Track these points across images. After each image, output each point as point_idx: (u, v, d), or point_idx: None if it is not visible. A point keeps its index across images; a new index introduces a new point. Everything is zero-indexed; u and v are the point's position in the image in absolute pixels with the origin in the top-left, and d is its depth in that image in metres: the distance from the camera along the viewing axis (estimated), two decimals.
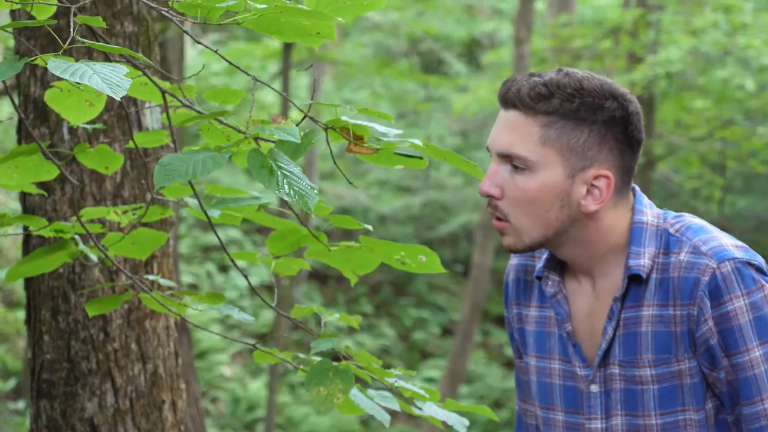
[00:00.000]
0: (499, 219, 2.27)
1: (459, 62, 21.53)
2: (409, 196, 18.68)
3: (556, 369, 2.39)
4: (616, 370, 2.29)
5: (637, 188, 2.33)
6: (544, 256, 2.38)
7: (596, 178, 2.23)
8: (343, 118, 2.42)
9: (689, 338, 2.24)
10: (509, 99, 2.24)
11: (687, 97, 14.37)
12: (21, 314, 13.16)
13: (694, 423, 2.27)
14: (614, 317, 2.28)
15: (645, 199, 2.32)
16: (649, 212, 2.30)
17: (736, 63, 13.73)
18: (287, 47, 12.66)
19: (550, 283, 2.36)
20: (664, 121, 14.79)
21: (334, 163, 2.46)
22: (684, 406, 2.27)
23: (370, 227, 2.83)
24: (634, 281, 2.27)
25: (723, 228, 2.34)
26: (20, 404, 11.84)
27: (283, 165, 2.26)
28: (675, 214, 2.32)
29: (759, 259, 2.25)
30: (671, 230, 2.28)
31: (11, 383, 12.51)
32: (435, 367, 16.08)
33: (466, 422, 3.03)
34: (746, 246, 2.27)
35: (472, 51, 21.93)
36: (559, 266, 2.37)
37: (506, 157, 2.24)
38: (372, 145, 2.45)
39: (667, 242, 2.27)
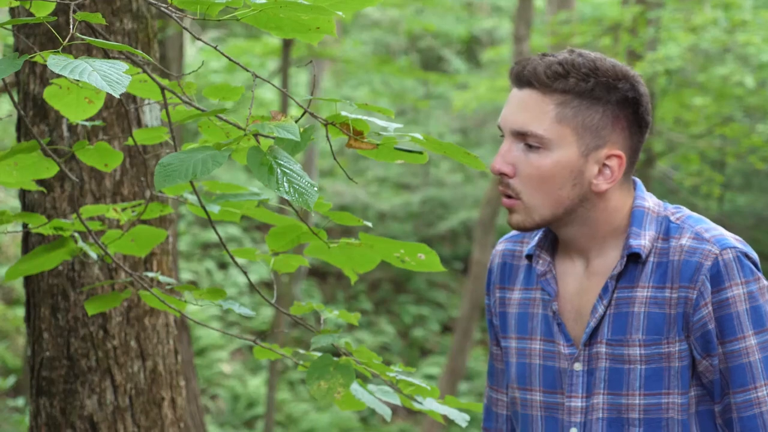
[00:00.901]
0: (509, 197, 2.30)
1: (458, 59, 21.53)
2: (408, 193, 18.69)
3: (537, 349, 2.41)
4: (602, 348, 2.31)
5: (636, 178, 2.38)
6: (536, 238, 2.42)
7: (608, 157, 2.27)
8: (343, 113, 2.42)
9: (684, 321, 2.27)
10: (524, 77, 2.27)
11: (686, 94, 14.37)
12: (21, 311, 13.16)
13: (676, 407, 2.28)
14: (607, 296, 2.31)
15: (644, 188, 2.37)
16: (650, 199, 2.35)
17: (735, 60, 13.73)
18: (286, 44, 12.66)
19: (541, 262, 2.39)
20: (664, 119, 14.78)
21: (334, 158, 2.46)
22: (669, 389, 2.28)
23: (369, 224, 2.83)
24: (632, 260, 2.31)
25: (722, 225, 2.37)
26: (20, 401, 11.85)
27: (282, 162, 2.25)
28: (674, 205, 2.37)
29: (754, 255, 2.30)
30: (672, 218, 2.33)
31: (11, 380, 12.51)
32: (434, 364, 16.09)
33: (467, 416, 3.04)
34: (743, 240, 2.32)
35: (471, 48, 21.93)
36: (551, 247, 2.40)
37: (520, 135, 2.28)
38: (372, 140, 2.45)
39: (668, 228, 2.31)
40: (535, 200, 2.28)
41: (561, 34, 14.58)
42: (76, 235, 3.06)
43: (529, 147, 2.27)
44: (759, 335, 2.24)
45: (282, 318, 12.29)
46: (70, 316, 3.40)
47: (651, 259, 2.30)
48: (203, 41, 2.40)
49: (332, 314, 2.94)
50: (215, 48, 2.40)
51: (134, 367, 3.44)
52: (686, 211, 2.35)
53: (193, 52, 18.04)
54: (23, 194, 3.47)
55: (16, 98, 3.55)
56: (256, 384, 14.93)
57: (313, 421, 14.63)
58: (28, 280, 3.48)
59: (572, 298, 2.37)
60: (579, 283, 2.37)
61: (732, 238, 2.28)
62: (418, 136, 2.48)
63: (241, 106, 14.04)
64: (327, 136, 2.43)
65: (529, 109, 2.26)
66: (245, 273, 2.88)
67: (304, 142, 2.32)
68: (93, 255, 3.06)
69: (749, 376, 2.24)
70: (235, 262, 2.89)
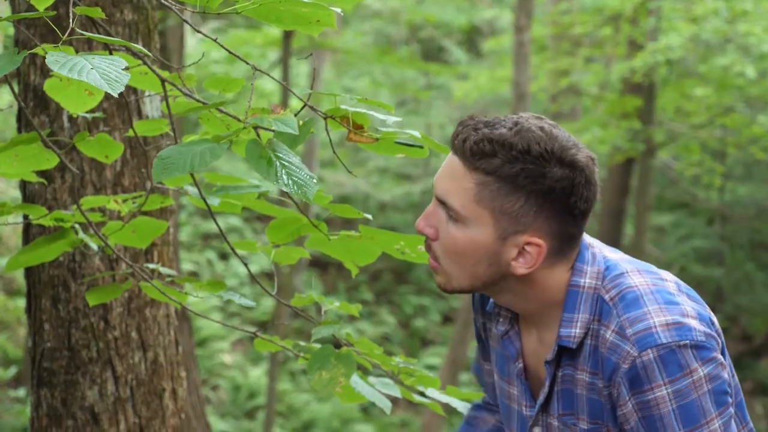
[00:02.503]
0: (433, 258, 2.23)
1: (459, 50, 21.52)
2: (409, 183, 18.69)
3: (514, 395, 2.37)
4: (555, 422, 2.27)
5: (586, 241, 2.24)
6: None
7: (528, 243, 2.15)
8: (343, 107, 2.42)
9: (613, 413, 2.19)
10: (456, 146, 2.18)
11: (687, 85, 14.37)
12: (21, 302, 13.18)
13: None
14: (549, 377, 2.25)
15: (589, 253, 2.23)
16: (589, 271, 2.21)
17: (736, 50, 13.71)
18: (287, 35, 12.65)
19: (501, 320, 2.32)
20: (665, 109, 14.79)
21: (334, 152, 2.47)
22: None
23: (369, 216, 2.83)
24: (566, 348, 2.22)
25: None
26: (21, 392, 11.87)
27: (281, 155, 2.26)
28: (617, 272, 2.21)
29: (696, 335, 2.11)
30: (606, 297, 2.19)
31: (12, 371, 12.53)
32: (435, 355, 16.11)
33: (469, 405, 3.04)
34: (687, 316, 2.14)
35: (472, 38, 21.93)
36: None
37: (443, 203, 2.19)
38: (372, 134, 2.45)
39: (601, 310, 2.18)
40: (451, 269, 2.20)
41: (562, 24, 14.58)
42: (77, 226, 3.07)
43: (449, 216, 2.17)
44: None
45: (283, 309, 12.30)
46: (70, 307, 3.41)
47: (587, 341, 2.19)
48: (203, 33, 2.40)
49: (333, 306, 2.95)
50: (215, 40, 2.40)
51: (135, 358, 3.44)
52: (625, 283, 2.18)
53: (194, 43, 18.04)
54: (24, 185, 3.47)
55: (16, 89, 3.56)
56: (257, 374, 14.95)
57: (315, 411, 14.65)
58: (29, 271, 3.48)
59: (533, 359, 2.30)
60: (534, 345, 2.29)
61: (662, 329, 2.11)
62: (417, 134, 2.48)
63: (242, 96, 14.04)
64: (326, 130, 2.43)
65: (453, 180, 2.17)
66: (246, 264, 2.89)
67: (304, 136, 2.32)
68: (94, 246, 3.07)
69: None
70: (236, 254, 2.89)
